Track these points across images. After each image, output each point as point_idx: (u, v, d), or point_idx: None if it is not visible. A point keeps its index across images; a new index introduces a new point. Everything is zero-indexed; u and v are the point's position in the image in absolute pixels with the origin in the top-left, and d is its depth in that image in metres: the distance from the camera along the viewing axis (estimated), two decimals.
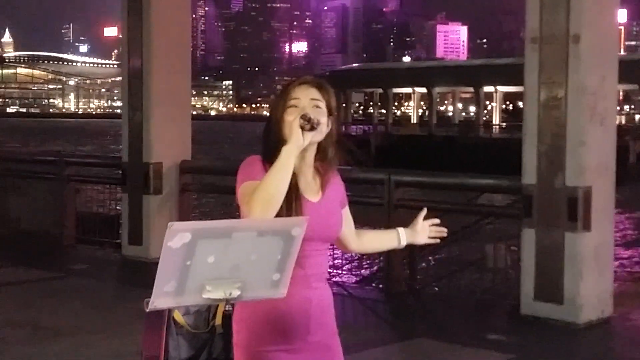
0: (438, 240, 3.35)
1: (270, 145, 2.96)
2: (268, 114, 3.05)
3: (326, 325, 3.05)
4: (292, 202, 2.91)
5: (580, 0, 7.05)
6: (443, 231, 3.36)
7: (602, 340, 6.98)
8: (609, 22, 7.47)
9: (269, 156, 2.92)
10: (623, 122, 73.68)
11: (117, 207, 11.11)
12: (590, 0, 7.12)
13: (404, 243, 3.30)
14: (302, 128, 2.86)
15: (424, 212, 3.32)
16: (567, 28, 7.07)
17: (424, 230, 3.32)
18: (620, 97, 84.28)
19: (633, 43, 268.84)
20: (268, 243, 2.63)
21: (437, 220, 3.34)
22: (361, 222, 3.26)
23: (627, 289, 8.69)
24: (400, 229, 3.31)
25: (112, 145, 68.18)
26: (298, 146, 2.85)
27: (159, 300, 2.60)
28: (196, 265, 2.56)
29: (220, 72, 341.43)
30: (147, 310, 2.63)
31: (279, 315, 2.93)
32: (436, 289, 8.69)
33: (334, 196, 3.08)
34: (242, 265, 2.63)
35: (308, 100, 2.96)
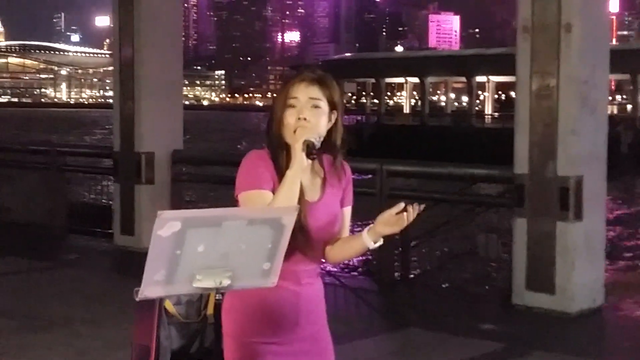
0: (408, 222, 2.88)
1: (272, 144, 2.95)
2: (270, 110, 2.99)
3: (316, 319, 3.03)
4: None
5: None
6: (415, 210, 2.87)
7: (593, 329, 7.00)
8: (601, 12, 7.47)
9: (274, 155, 2.93)
10: (615, 112, 73.83)
11: (109, 197, 11.09)
12: None
13: (370, 244, 2.91)
14: (306, 152, 2.85)
15: (400, 206, 2.88)
16: (559, 17, 7.07)
17: (396, 222, 2.86)
18: (612, 87, 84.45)
19: (625, 33, 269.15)
20: (258, 232, 2.62)
21: (416, 206, 2.88)
22: (353, 212, 3.18)
23: (619, 278, 8.72)
24: (364, 233, 2.91)
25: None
26: (302, 169, 2.86)
27: (148, 289, 2.59)
28: (186, 254, 2.55)
29: (213, 61, 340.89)
30: (137, 299, 2.62)
31: (267, 308, 2.93)
32: (428, 278, 8.69)
33: (334, 194, 3.02)
34: (232, 254, 2.62)
35: (307, 99, 2.91)
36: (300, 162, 2.84)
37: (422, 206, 2.88)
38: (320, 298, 3.06)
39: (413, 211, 2.85)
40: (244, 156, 2.98)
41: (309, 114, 2.90)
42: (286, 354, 2.95)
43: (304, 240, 2.90)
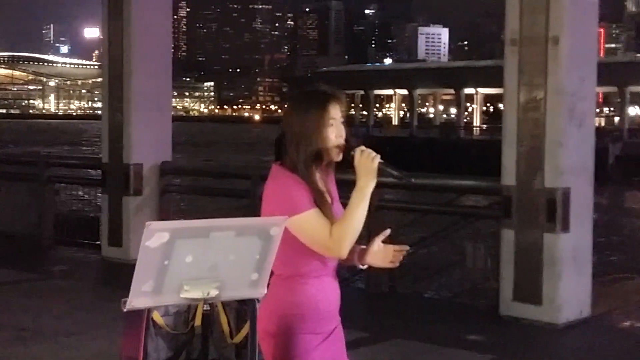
0: (397, 265, 3.21)
1: (308, 159, 3.05)
2: (296, 127, 3.07)
3: (339, 310, 3.25)
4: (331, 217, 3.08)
5: (559, 2, 7.09)
6: (405, 250, 3.19)
7: (580, 340, 7.02)
8: (588, 25, 7.51)
9: (309, 172, 3.05)
10: (602, 124, 74.11)
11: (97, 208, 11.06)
12: (570, 2, 7.15)
13: (359, 266, 3.21)
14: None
15: (386, 233, 3.18)
16: (547, 30, 7.11)
17: (382, 253, 3.18)
18: (600, 99, 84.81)
19: (613, 45, 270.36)
20: (246, 243, 2.64)
21: (406, 247, 3.19)
22: None
23: (605, 289, 8.73)
24: (355, 257, 3.18)
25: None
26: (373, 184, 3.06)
27: (136, 299, 2.60)
28: (174, 264, 2.56)
29: (202, 73, 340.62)
30: (125, 310, 2.63)
31: (317, 303, 3.09)
32: (416, 289, 8.71)
33: (335, 198, 3.22)
34: (220, 264, 2.63)
35: (339, 118, 3.11)
36: (375, 177, 3.06)
37: (407, 247, 3.19)
38: None
39: (399, 253, 3.16)
40: (275, 181, 3.08)
41: (344, 131, 3.12)
42: (327, 341, 3.14)
43: None
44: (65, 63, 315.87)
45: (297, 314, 3.05)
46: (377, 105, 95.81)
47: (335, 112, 3.09)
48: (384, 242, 3.18)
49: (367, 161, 3.03)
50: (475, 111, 72.99)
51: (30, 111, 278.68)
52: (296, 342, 3.04)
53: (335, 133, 3.08)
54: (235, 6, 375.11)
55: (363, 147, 3.06)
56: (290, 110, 3.14)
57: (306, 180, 3.04)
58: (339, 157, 3.11)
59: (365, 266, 3.21)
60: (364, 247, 3.18)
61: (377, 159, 3.04)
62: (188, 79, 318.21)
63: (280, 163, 3.11)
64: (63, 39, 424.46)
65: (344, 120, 3.13)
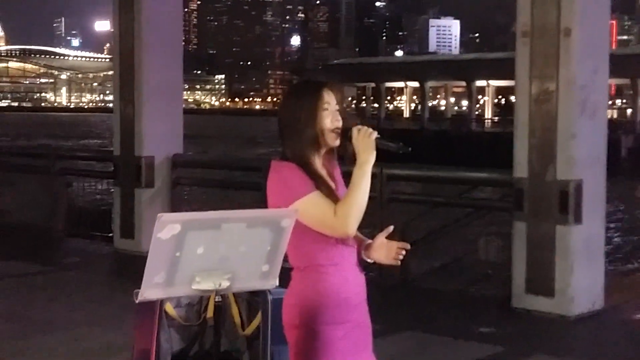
0: (398, 263, 3.20)
1: (305, 145, 3.07)
2: (291, 115, 3.10)
3: (365, 304, 3.22)
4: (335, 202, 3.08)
5: None
6: (405, 247, 3.18)
7: (593, 332, 7.01)
8: (600, 16, 7.48)
9: (304, 156, 3.06)
10: (615, 116, 73.86)
11: (109, 201, 11.10)
12: None
13: (365, 258, 3.22)
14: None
15: (389, 229, 3.19)
16: (558, 22, 7.08)
17: (385, 249, 3.18)
18: (612, 91, 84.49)
19: (625, 37, 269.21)
20: (257, 234, 2.64)
21: (407, 245, 3.18)
22: None
23: (618, 281, 8.71)
24: (362, 250, 3.21)
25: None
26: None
27: (148, 291, 2.60)
28: (186, 256, 2.57)
29: (213, 66, 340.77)
30: (137, 301, 2.63)
31: (343, 292, 3.08)
32: (428, 281, 8.70)
33: (341, 182, 3.23)
34: (231, 256, 2.64)
35: (334, 104, 3.13)
36: (374, 154, 3.07)
37: (408, 246, 3.18)
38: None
39: (401, 250, 3.16)
40: (273, 174, 3.09)
41: (340, 117, 3.14)
42: (353, 332, 3.11)
43: None
44: (76, 56, 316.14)
45: (317, 304, 3.04)
46: (388, 97, 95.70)
47: (330, 98, 3.12)
48: (388, 238, 3.17)
49: (365, 137, 3.06)
50: (487, 103, 72.87)
51: (42, 104, 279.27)
52: (319, 333, 3.03)
53: (330, 118, 3.11)
54: None
55: (360, 126, 3.09)
56: (285, 100, 3.19)
57: (304, 166, 3.06)
58: (336, 142, 3.12)
59: (372, 260, 3.23)
60: (370, 241, 3.19)
61: (375, 134, 3.07)
62: (199, 72, 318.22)
63: (279, 158, 3.13)
64: (74, 32, 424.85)
65: (343, 108, 3.15)
